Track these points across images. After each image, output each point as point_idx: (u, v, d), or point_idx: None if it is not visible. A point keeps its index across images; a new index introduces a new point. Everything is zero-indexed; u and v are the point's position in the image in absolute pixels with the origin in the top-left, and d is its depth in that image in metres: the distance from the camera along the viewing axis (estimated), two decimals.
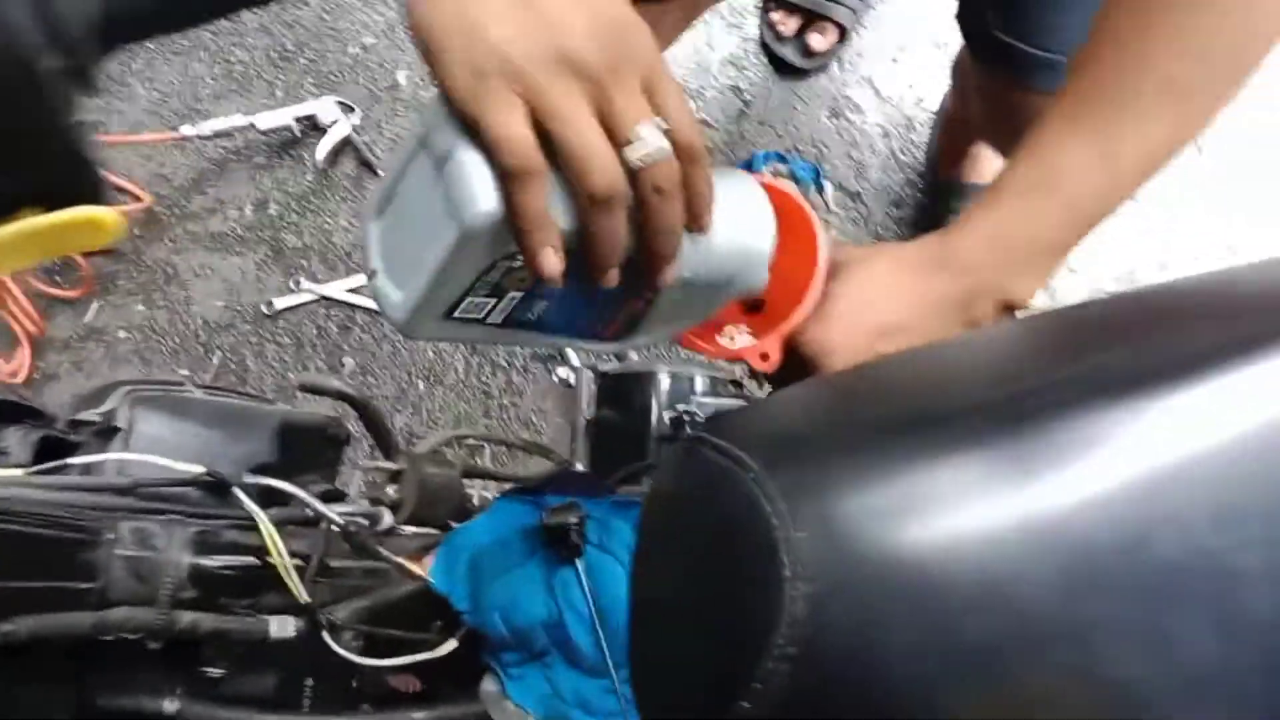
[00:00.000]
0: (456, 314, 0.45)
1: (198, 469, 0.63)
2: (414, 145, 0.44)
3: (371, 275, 0.46)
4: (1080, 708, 0.35)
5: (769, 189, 0.56)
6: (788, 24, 1.45)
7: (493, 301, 0.45)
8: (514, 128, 0.40)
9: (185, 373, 1.41)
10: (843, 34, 1.46)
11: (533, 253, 0.41)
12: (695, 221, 0.46)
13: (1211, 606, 0.35)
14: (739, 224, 0.50)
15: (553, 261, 0.42)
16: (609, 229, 0.43)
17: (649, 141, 0.42)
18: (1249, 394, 0.38)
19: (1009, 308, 0.57)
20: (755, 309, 0.59)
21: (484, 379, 1.39)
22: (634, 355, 0.99)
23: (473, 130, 0.41)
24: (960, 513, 0.36)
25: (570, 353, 0.99)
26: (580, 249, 0.44)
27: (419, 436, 1.36)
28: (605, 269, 0.44)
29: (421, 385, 1.40)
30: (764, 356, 0.57)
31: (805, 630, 0.35)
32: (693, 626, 0.41)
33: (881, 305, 0.58)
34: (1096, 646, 0.34)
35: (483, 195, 0.41)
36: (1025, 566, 0.35)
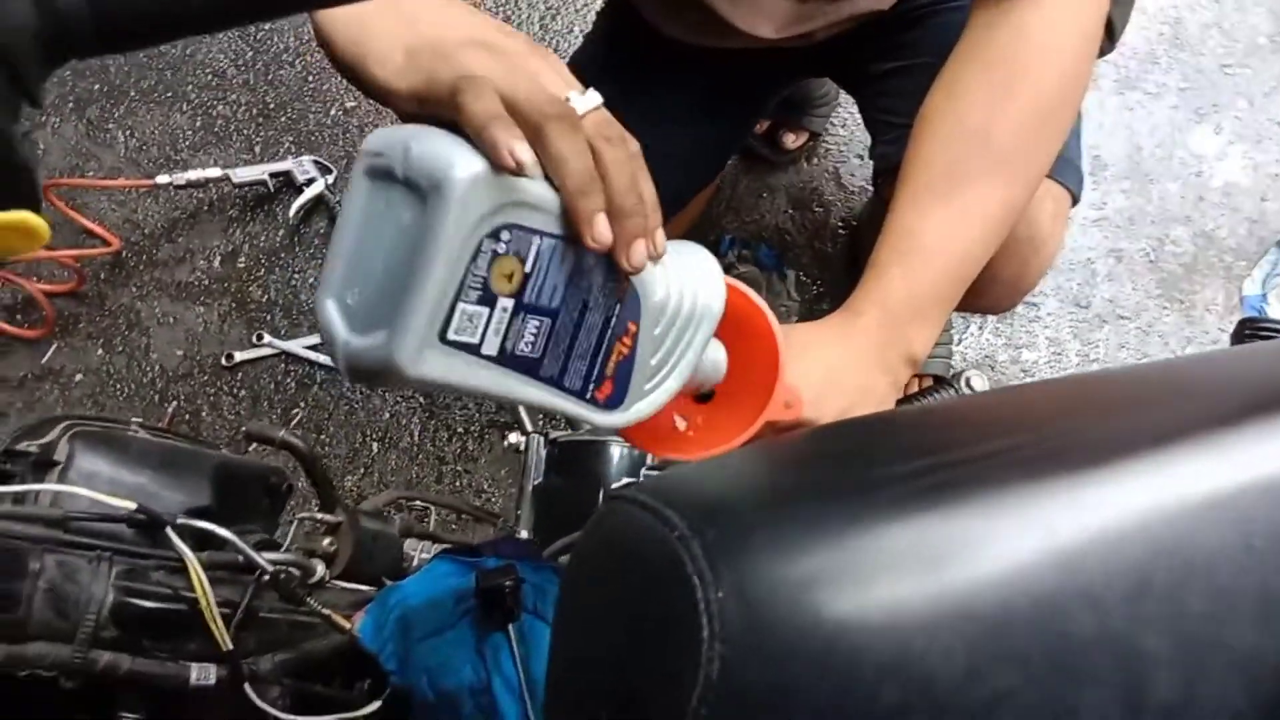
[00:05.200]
0: (451, 335, 0.43)
1: (130, 505, 0.62)
2: (358, 191, 0.45)
3: (345, 349, 0.44)
4: None
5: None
6: (761, 124, 1.49)
7: (485, 313, 0.44)
8: (479, 82, 0.44)
9: (138, 420, 1.39)
10: (814, 135, 1.51)
11: (500, 145, 0.42)
12: (647, 229, 0.47)
13: (1119, 686, 0.36)
14: (694, 272, 0.52)
15: (524, 151, 0.42)
16: (572, 148, 0.44)
17: (585, 98, 0.46)
18: (1166, 477, 0.39)
19: (912, 360, 0.66)
20: (704, 399, 0.60)
21: (439, 444, 1.39)
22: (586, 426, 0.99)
23: (426, 105, 0.46)
24: (877, 585, 0.36)
25: (524, 416, 0.99)
26: (564, 217, 0.45)
27: (367, 498, 1.34)
28: (587, 211, 0.44)
29: (375, 447, 1.39)
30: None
31: (719, 692, 0.35)
32: (609, 685, 0.40)
33: (841, 379, 0.64)
34: (1004, 718, 0.34)
35: (459, 156, 0.42)
36: (937, 638, 0.35)
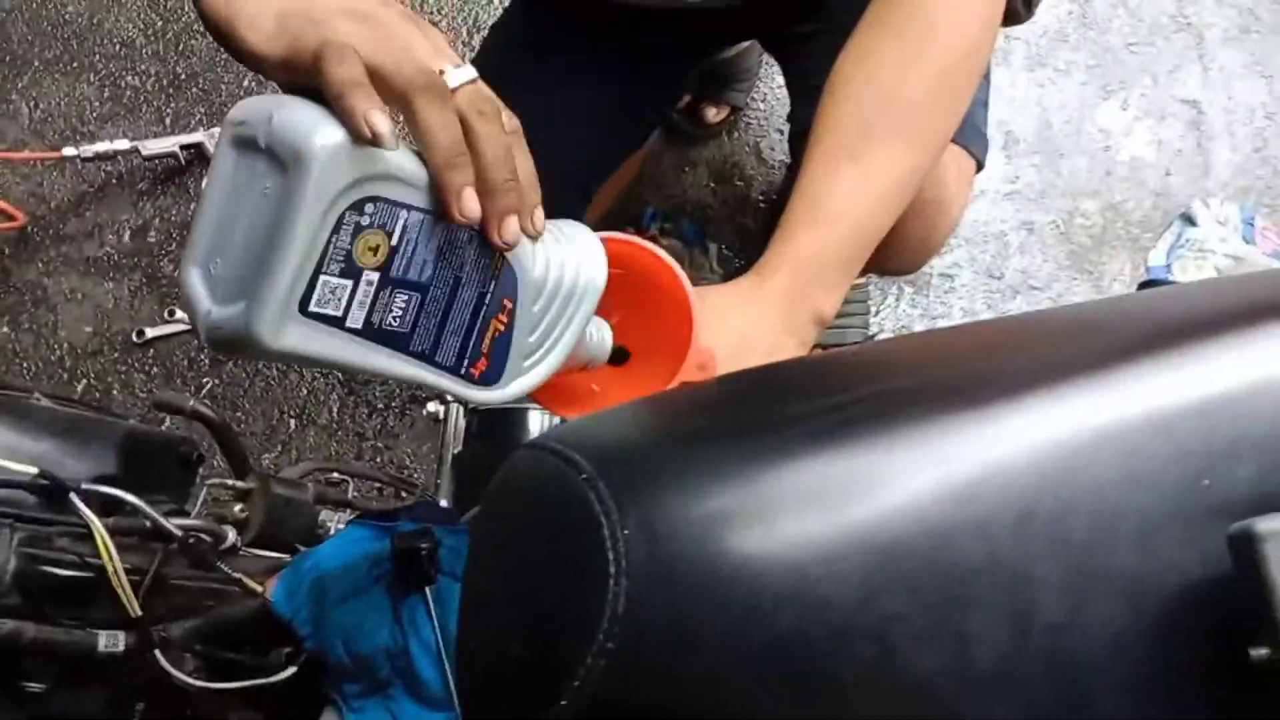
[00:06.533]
0: (313, 306, 0.43)
1: (31, 470, 0.60)
2: (223, 161, 0.45)
3: (206, 319, 0.44)
4: (882, 702, 0.36)
5: (631, 244, 0.58)
6: (682, 98, 1.50)
7: (349, 286, 0.44)
8: (342, 47, 0.43)
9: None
10: (735, 110, 1.52)
11: (357, 113, 0.41)
12: (522, 203, 0.47)
13: (1006, 610, 0.37)
14: (576, 250, 0.52)
15: (380, 120, 0.42)
16: (440, 120, 0.43)
17: (459, 71, 0.45)
18: (1057, 411, 0.41)
19: (820, 320, 0.66)
20: (618, 361, 0.61)
21: (358, 420, 1.38)
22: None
23: (292, 73, 0.45)
24: (779, 521, 0.37)
25: None
26: (432, 187, 0.44)
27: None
28: (454, 184, 0.44)
29: (293, 424, 1.37)
30: None
31: (624, 625, 0.36)
32: (519, 622, 0.41)
33: (752, 340, 0.64)
34: (895, 641, 0.36)
35: (320, 126, 0.41)
36: (833, 566, 0.36)
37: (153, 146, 1.42)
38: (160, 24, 1.57)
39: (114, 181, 1.46)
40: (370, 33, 0.44)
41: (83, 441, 0.71)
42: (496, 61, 0.98)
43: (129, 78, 1.53)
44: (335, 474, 0.99)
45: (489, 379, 0.51)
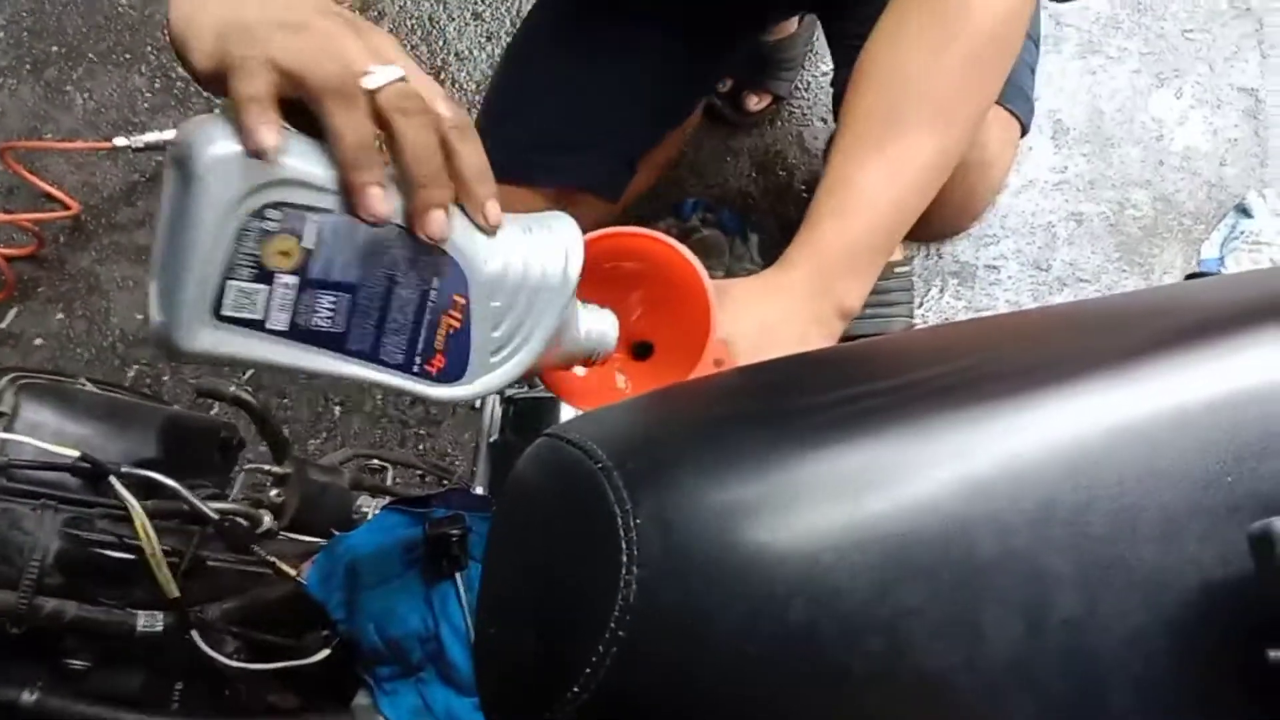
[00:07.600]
0: (228, 311, 0.44)
1: (73, 454, 0.62)
2: (166, 178, 0.46)
3: (151, 327, 0.46)
4: (893, 695, 0.36)
5: (647, 238, 0.58)
6: (724, 82, 1.49)
7: (264, 290, 0.45)
8: (252, 61, 0.44)
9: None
10: (777, 99, 1.51)
11: (246, 129, 0.42)
12: (466, 192, 0.47)
13: (1021, 604, 0.37)
14: (545, 243, 0.51)
15: (264, 134, 0.42)
16: (346, 121, 0.44)
17: (383, 72, 0.45)
18: (1078, 405, 0.40)
19: (845, 312, 0.66)
20: (643, 355, 0.61)
21: (401, 408, 1.39)
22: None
23: (222, 89, 0.45)
24: (793, 513, 0.37)
25: None
26: (342, 189, 0.45)
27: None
28: (358, 184, 0.44)
29: (338, 411, 1.39)
30: None
31: (635, 615, 0.36)
32: (533, 608, 0.41)
33: (775, 332, 0.63)
34: (908, 635, 0.35)
35: (215, 139, 0.42)
36: (846, 557, 0.36)
37: None
38: None
39: (164, 172, 1.49)
40: (300, 42, 0.44)
41: (125, 426, 0.73)
42: (543, 29, 0.98)
43: (179, 69, 1.56)
44: (376, 461, 1.00)
45: (449, 376, 0.51)
